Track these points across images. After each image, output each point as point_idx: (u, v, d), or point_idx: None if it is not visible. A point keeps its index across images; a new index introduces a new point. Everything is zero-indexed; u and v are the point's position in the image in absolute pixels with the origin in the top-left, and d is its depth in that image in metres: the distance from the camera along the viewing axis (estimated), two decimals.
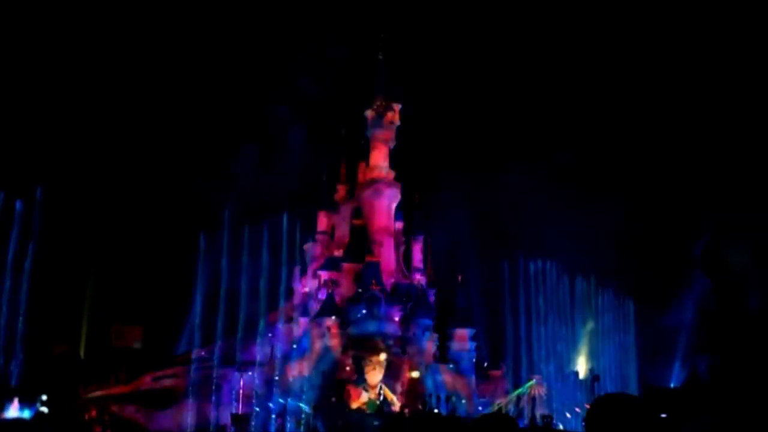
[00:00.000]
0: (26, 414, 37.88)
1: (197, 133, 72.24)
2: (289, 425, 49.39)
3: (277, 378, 51.26)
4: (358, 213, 58.68)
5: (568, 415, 49.50)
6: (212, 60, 76.91)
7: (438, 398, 51.18)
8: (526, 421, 48.44)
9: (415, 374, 52.36)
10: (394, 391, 51.03)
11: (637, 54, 72.97)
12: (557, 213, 61.26)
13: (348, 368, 51.41)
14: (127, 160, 69.69)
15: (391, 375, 51.50)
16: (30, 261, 45.51)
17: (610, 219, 59.83)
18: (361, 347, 51.86)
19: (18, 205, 46.26)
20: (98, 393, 52.37)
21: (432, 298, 58.98)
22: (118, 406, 50.81)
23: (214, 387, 50.18)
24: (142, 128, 71.42)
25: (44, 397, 41.89)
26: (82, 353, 56.82)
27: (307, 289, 58.29)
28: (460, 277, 58.30)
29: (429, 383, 52.13)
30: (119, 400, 51.34)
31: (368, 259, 55.70)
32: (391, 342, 52.70)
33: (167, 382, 52.45)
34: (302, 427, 49.05)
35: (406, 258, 61.46)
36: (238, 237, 56.39)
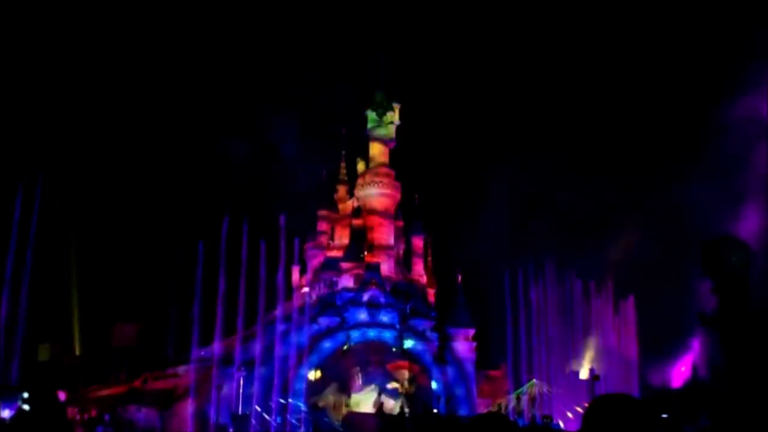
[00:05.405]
0: (6, 413, 37.46)
1: (196, 135, 72.22)
2: (289, 425, 49.37)
3: (276, 378, 51.24)
4: (358, 213, 58.63)
5: (569, 415, 49.42)
6: (210, 60, 76.87)
7: (438, 398, 51.13)
8: (526, 421, 48.39)
9: (415, 375, 52.27)
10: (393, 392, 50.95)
11: (637, 57, 72.87)
12: (558, 211, 61.22)
13: (347, 368, 51.38)
14: (127, 159, 69.70)
15: (390, 376, 51.46)
16: (29, 257, 44.88)
17: (610, 218, 59.80)
18: (360, 348, 51.84)
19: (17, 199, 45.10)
20: (98, 393, 52.38)
21: (432, 298, 58.93)
22: (117, 405, 50.77)
23: (214, 387, 50.14)
24: (141, 129, 71.40)
25: (25, 395, 41.32)
26: (77, 351, 56.63)
27: (306, 289, 58.27)
28: (460, 277, 58.26)
29: (428, 384, 52.06)
30: (119, 400, 51.31)
31: (368, 259, 55.68)
32: (390, 343, 52.68)
33: (167, 382, 52.42)
34: (302, 427, 49.04)
35: (406, 258, 61.44)
36: (239, 236, 56.34)
